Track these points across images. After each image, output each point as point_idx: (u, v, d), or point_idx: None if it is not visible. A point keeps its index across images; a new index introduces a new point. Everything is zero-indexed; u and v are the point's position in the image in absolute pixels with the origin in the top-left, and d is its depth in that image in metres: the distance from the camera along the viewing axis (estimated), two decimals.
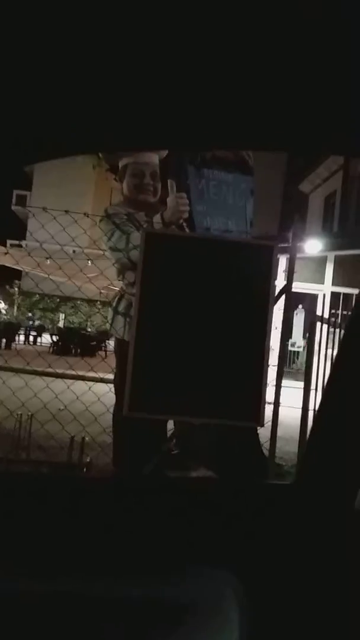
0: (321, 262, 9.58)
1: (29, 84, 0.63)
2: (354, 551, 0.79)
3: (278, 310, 2.61)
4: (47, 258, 3.00)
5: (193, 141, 0.89)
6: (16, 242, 15.70)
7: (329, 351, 3.63)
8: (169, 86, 0.67)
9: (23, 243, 14.96)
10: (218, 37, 0.60)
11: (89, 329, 13.97)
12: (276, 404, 2.40)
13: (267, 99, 0.69)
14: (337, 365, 0.93)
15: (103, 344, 11.69)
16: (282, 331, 2.47)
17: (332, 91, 0.67)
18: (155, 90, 0.68)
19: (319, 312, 3.77)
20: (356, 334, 0.92)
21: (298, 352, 10.30)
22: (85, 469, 2.59)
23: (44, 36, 0.58)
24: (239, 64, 0.64)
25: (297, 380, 4.42)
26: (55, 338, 11.89)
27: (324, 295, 9.38)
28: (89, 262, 2.88)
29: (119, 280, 2.18)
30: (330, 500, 0.85)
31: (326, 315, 4.59)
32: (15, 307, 17.52)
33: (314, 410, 2.67)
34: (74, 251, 3.00)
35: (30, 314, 16.36)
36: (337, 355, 0.96)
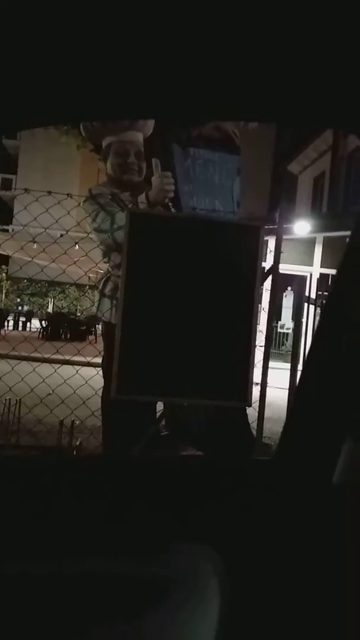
0: (310, 243, 9.58)
1: (11, 50, 0.61)
2: (332, 525, 0.80)
3: (266, 291, 2.62)
4: (33, 241, 2.96)
5: (186, 111, 0.87)
6: (2, 226, 15.46)
7: None
8: (160, 54, 0.65)
9: (9, 227, 14.73)
10: (212, 5, 0.58)
11: (79, 314, 13.90)
12: (263, 384, 2.42)
13: (263, 68, 0.68)
14: (315, 343, 0.94)
15: (93, 329, 11.65)
16: (268, 312, 2.48)
17: (329, 63, 0.66)
18: (145, 58, 0.66)
19: (306, 294, 3.78)
20: (331, 313, 0.93)
21: (287, 334, 10.37)
22: (75, 452, 2.60)
23: (28, 3, 0.55)
24: (234, 33, 0.62)
25: (286, 362, 4.46)
26: (44, 323, 11.82)
27: (311, 276, 9.42)
28: (76, 245, 2.84)
29: (105, 262, 2.15)
30: (309, 475, 0.86)
31: (315, 297, 4.61)
32: (4, 293, 17.35)
33: None
34: (61, 235, 2.96)
35: (18, 300, 16.24)
36: (314, 333, 0.96)
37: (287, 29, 0.61)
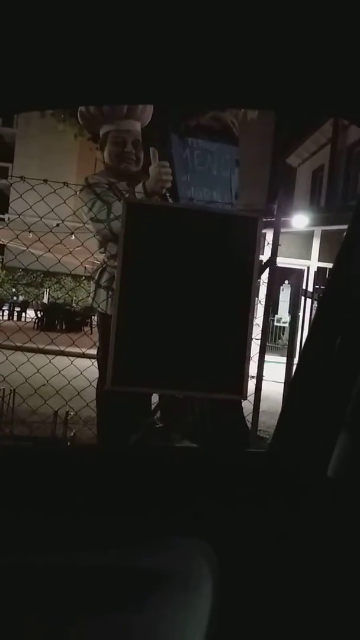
0: (308, 237, 9.56)
1: (7, 32, 0.59)
2: (327, 518, 0.80)
3: (263, 284, 2.61)
4: (28, 231, 2.92)
5: (184, 96, 0.86)
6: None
7: None
8: (160, 38, 0.64)
9: (5, 216, 14.62)
10: None
11: (74, 305, 13.85)
12: (259, 377, 2.42)
13: (262, 54, 0.67)
14: (311, 337, 0.93)
15: (88, 320, 11.62)
16: (265, 305, 2.47)
17: (328, 49, 0.65)
18: (145, 42, 0.64)
19: (304, 287, 3.78)
20: (328, 306, 0.92)
21: (284, 327, 10.38)
22: (69, 443, 2.59)
23: None
24: (232, 17, 0.61)
25: (282, 355, 4.47)
26: (39, 314, 11.78)
27: (308, 269, 9.42)
28: (72, 235, 2.81)
29: (101, 252, 2.13)
30: (304, 468, 0.86)
31: (312, 291, 4.60)
32: None
33: None
34: (57, 224, 2.92)
35: (14, 290, 16.19)
36: (310, 326, 0.95)
37: (285, 14, 0.60)
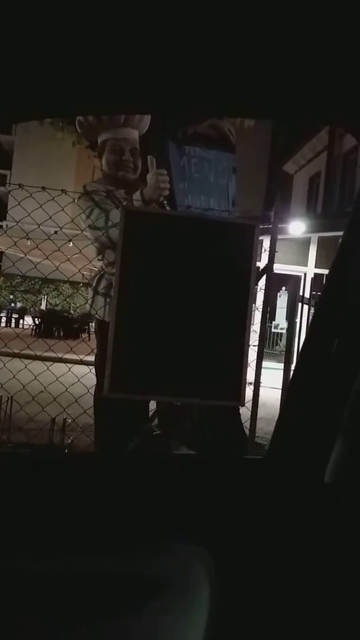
0: (305, 243, 9.60)
1: (5, 42, 0.60)
2: (324, 523, 0.80)
3: (260, 291, 2.62)
4: (26, 238, 2.93)
5: (182, 103, 0.87)
6: None
7: None
8: (157, 48, 0.65)
9: (3, 223, 14.64)
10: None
11: (72, 311, 13.85)
12: (256, 384, 2.42)
13: (261, 63, 0.67)
14: (308, 342, 0.94)
15: (86, 326, 11.61)
16: (262, 311, 2.48)
17: (327, 57, 0.66)
18: (144, 52, 0.65)
19: (300, 294, 3.79)
20: (324, 312, 0.93)
21: (281, 333, 10.40)
22: (67, 450, 2.58)
23: None
24: (232, 27, 0.62)
25: (280, 362, 4.48)
26: (37, 320, 11.77)
27: (305, 276, 9.45)
28: (70, 242, 2.81)
29: (99, 259, 2.14)
30: (301, 474, 0.86)
31: (309, 297, 4.62)
32: None
33: None
34: (55, 232, 2.94)
35: (11, 297, 16.20)
36: (307, 332, 0.96)
37: (284, 24, 0.61)
